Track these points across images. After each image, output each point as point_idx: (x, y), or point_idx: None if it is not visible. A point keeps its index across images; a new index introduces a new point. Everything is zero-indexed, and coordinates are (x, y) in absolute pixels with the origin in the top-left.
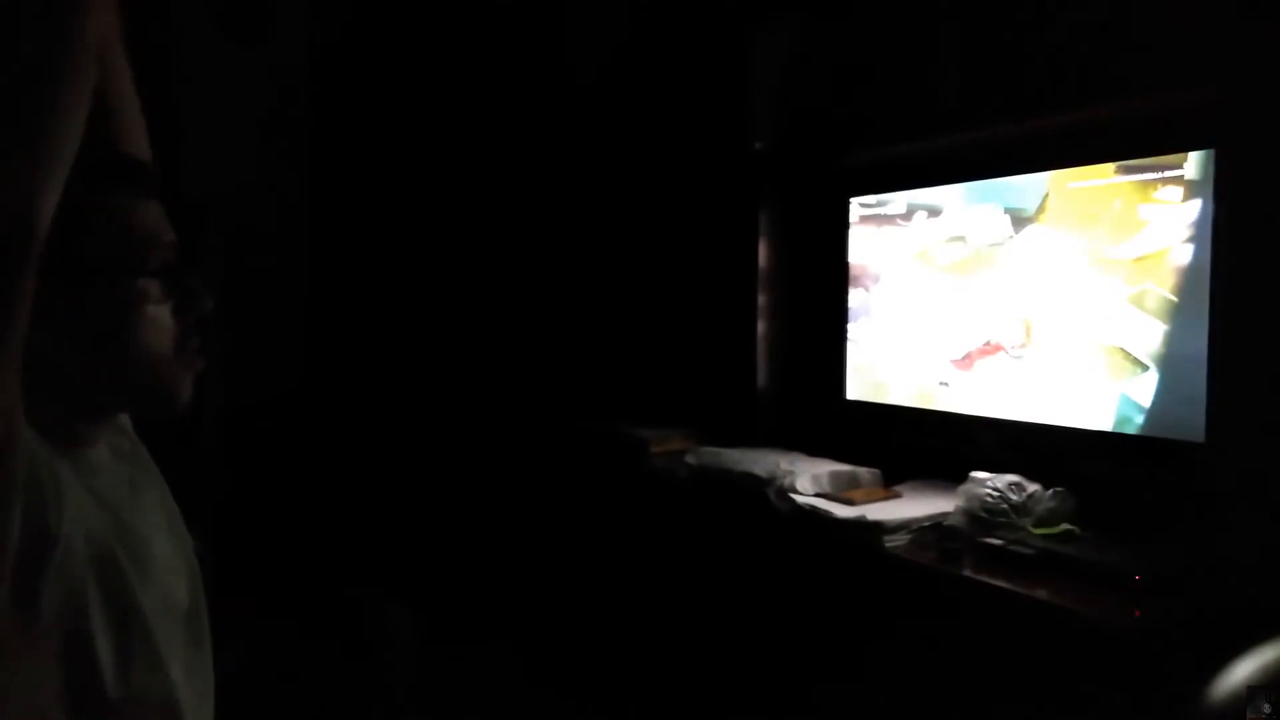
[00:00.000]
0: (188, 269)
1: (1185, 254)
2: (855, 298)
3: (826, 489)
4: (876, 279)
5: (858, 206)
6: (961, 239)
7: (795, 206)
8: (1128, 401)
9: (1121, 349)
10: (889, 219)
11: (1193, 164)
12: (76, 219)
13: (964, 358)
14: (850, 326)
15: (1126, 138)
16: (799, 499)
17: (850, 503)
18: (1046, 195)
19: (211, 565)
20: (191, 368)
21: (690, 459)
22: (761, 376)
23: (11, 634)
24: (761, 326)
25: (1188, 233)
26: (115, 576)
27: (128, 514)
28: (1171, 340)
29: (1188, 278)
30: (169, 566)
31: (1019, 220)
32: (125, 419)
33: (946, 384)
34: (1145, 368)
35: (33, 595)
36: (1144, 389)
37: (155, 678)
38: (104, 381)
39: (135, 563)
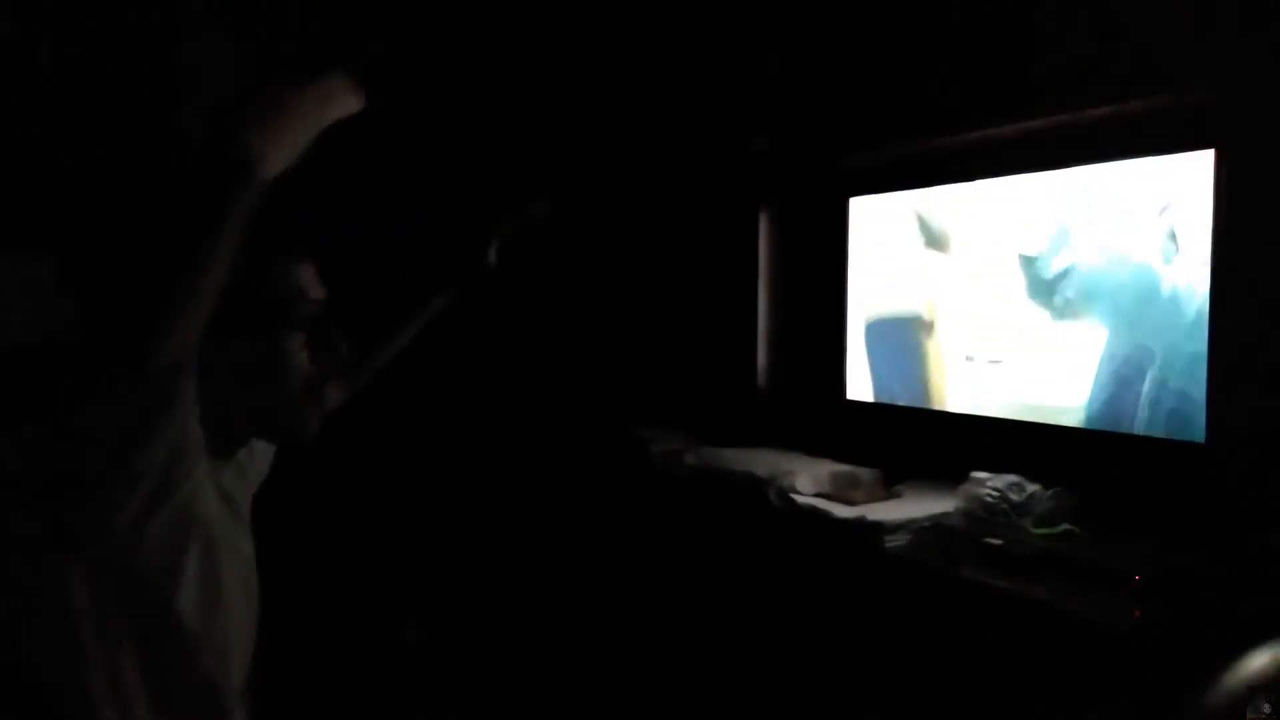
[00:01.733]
0: (328, 319)
1: (1188, 252)
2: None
3: (826, 489)
4: (878, 273)
5: (858, 206)
6: (965, 234)
7: (795, 206)
8: (1129, 400)
9: (1123, 345)
10: (892, 216)
11: (1196, 162)
12: (243, 283)
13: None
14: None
15: (1126, 138)
16: (799, 499)
17: (850, 503)
18: (1053, 191)
19: None
20: (322, 406)
21: (690, 459)
22: (761, 376)
23: (115, 567)
24: (761, 326)
25: (1190, 231)
26: (210, 560)
27: (235, 510)
28: (1173, 339)
29: (1191, 276)
30: (250, 568)
31: (1025, 215)
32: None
33: (951, 377)
34: (1147, 365)
35: (140, 531)
36: (1146, 387)
37: (221, 665)
38: (248, 416)
39: (230, 556)
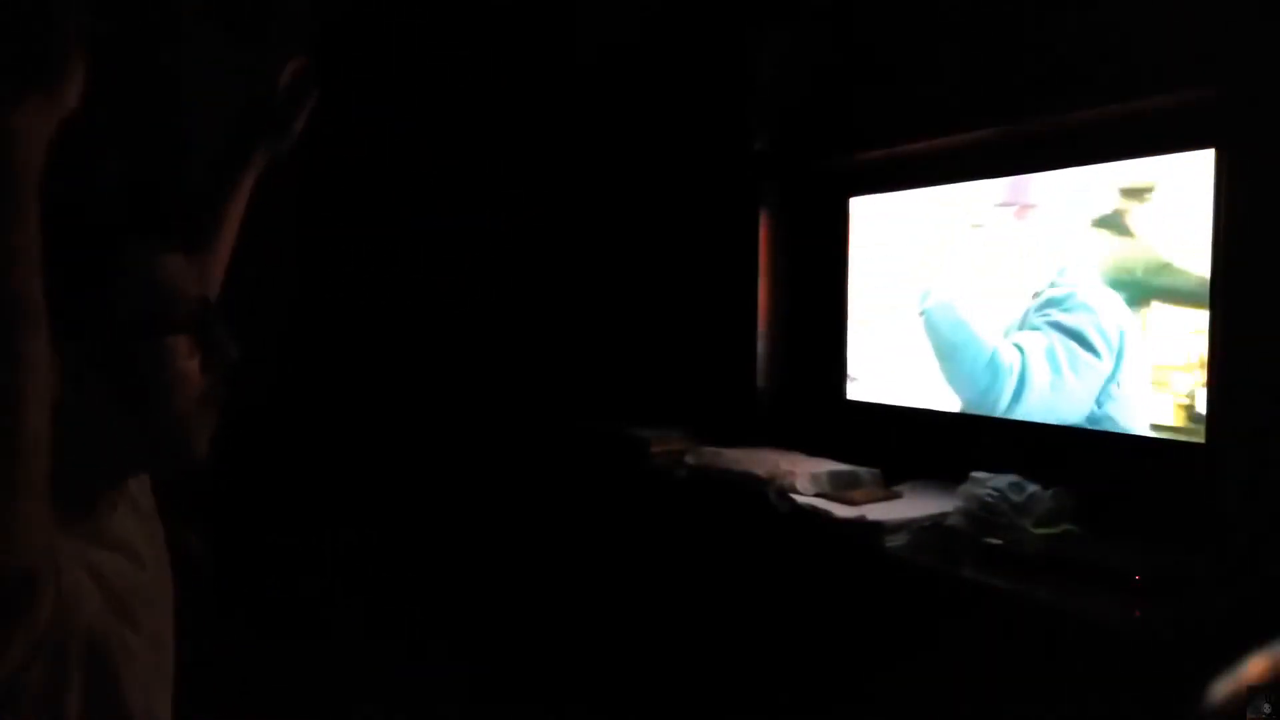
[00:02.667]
0: (213, 319)
1: (1189, 251)
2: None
3: (826, 489)
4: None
5: (858, 206)
6: (965, 231)
7: (795, 206)
8: (1130, 400)
9: (1124, 344)
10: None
11: (1198, 162)
12: (103, 278)
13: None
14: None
15: (1127, 138)
16: (799, 499)
17: (850, 503)
18: (1057, 190)
19: (211, 565)
20: (213, 420)
21: (690, 459)
22: (761, 376)
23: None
24: (761, 326)
25: (1192, 230)
26: (101, 667)
27: (134, 572)
28: (1173, 339)
29: (1192, 275)
30: (163, 609)
31: (1026, 214)
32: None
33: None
34: (1148, 365)
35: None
36: (1146, 387)
37: None
38: (132, 441)
39: (131, 626)
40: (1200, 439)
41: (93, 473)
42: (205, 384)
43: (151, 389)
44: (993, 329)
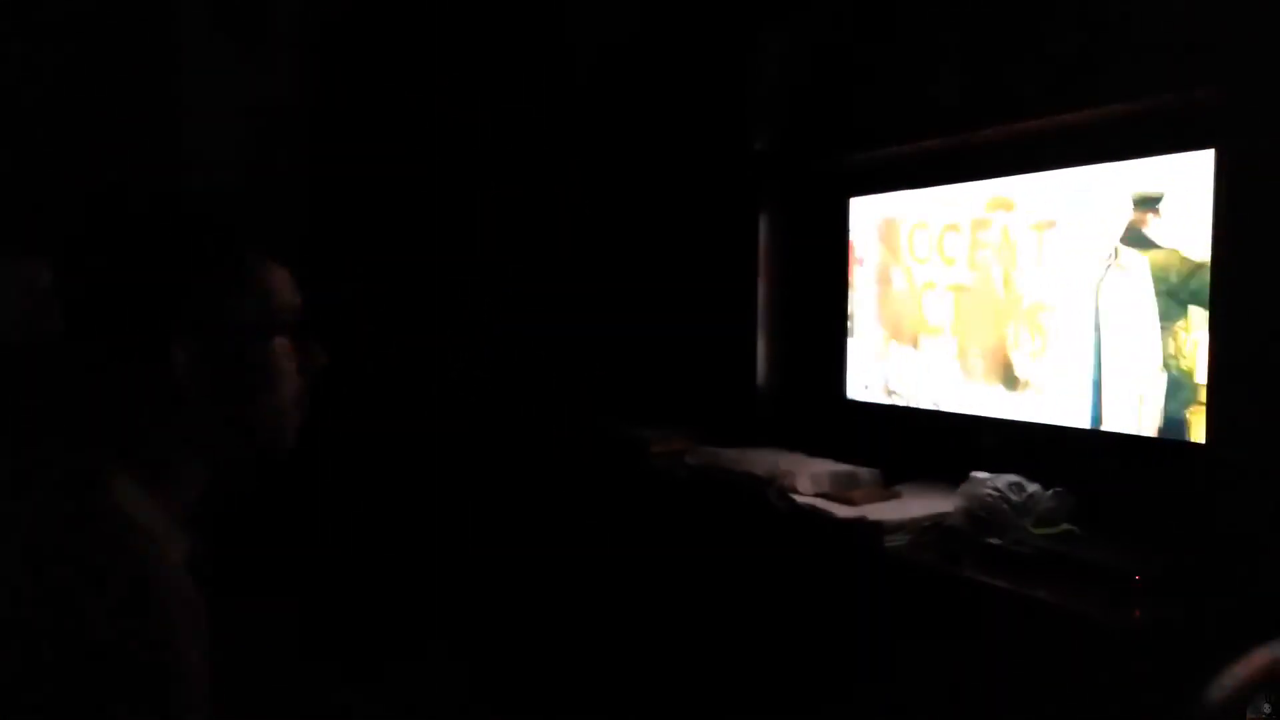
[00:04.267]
0: (305, 327)
1: (1190, 251)
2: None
3: (826, 489)
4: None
5: (858, 206)
6: (966, 233)
7: (795, 206)
8: (1130, 400)
9: (1124, 345)
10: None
11: (1198, 162)
12: (224, 285)
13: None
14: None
15: (1126, 138)
16: (799, 499)
17: (850, 503)
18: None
19: (211, 565)
20: (301, 418)
21: (690, 459)
22: (761, 376)
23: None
24: (761, 326)
25: (1193, 230)
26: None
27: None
28: (1174, 338)
29: (1193, 275)
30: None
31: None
32: None
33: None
34: (1149, 366)
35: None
36: (1147, 388)
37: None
38: (239, 431)
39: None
40: (1200, 439)
41: (205, 459)
42: (300, 383)
43: (257, 384)
44: None
